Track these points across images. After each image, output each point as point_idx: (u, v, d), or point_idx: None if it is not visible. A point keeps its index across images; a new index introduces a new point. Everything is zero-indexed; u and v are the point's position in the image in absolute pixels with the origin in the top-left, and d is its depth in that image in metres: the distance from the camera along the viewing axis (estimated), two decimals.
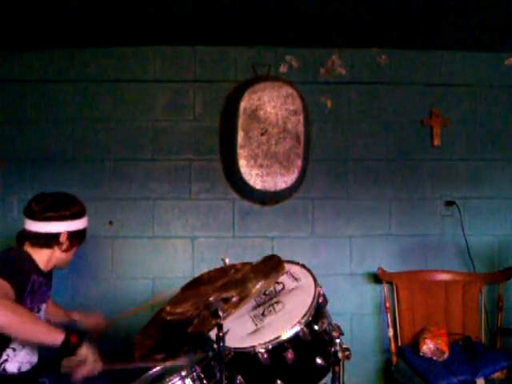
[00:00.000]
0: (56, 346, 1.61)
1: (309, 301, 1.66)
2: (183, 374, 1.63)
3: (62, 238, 1.88)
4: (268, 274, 1.57)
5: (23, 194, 2.73)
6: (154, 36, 2.78)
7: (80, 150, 2.87)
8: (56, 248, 1.88)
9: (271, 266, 1.64)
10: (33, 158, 2.85)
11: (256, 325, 1.69)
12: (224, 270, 1.81)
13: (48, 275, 1.96)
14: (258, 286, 1.50)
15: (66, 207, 1.89)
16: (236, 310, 1.54)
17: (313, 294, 1.69)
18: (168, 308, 1.57)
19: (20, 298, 1.70)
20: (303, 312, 1.62)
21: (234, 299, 1.49)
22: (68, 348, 1.63)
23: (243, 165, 2.75)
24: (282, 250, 2.82)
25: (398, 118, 3.00)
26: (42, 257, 1.87)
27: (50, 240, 1.86)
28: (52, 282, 2.03)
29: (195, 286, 1.75)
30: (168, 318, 1.55)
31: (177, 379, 1.62)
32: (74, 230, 1.90)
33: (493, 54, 3.02)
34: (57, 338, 1.62)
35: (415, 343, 2.60)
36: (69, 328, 1.72)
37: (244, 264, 1.82)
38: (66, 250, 1.91)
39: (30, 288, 1.75)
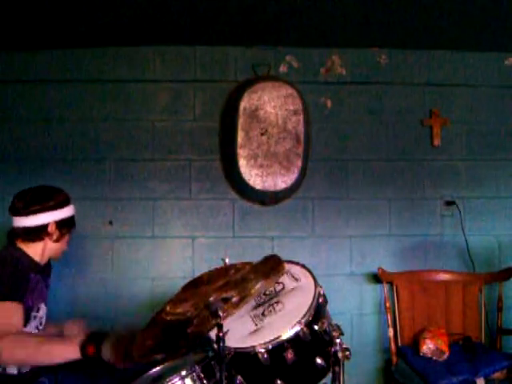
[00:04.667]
0: (79, 359, 1.64)
1: (309, 301, 1.65)
2: (183, 373, 1.62)
3: (51, 229, 1.89)
4: (268, 274, 1.56)
5: None
6: (154, 36, 2.78)
7: (80, 150, 2.87)
8: (47, 239, 1.90)
9: (271, 266, 1.63)
10: (33, 158, 2.84)
11: (256, 325, 1.68)
12: (224, 270, 1.80)
13: (45, 273, 1.97)
14: (257, 286, 1.50)
15: (49, 198, 1.90)
16: (236, 310, 1.54)
17: (313, 294, 1.68)
18: (168, 308, 1.57)
19: (22, 299, 1.71)
20: (303, 312, 1.61)
21: (234, 299, 1.49)
22: (90, 357, 1.65)
23: (243, 165, 2.74)
24: (282, 250, 2.82)
25: (398, 117, 3.00)
26: (36, 250, 1.89)
27: (39, 232, 1.88)
28: (50, 282, 2.04)
29: (195, 285, 1.74)
30: (168, 318, 1.55)
31: (177, 379, 1.61)
32: (60, 218, 1.92)
33: (493, 54, 3.02)
34: (74, 353, 1.64)
35: (415, 343, 2.61)
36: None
37: (244, 264, 1.82)
38: (57, 240, 1.93)
39: (30, 287, 1.77)
